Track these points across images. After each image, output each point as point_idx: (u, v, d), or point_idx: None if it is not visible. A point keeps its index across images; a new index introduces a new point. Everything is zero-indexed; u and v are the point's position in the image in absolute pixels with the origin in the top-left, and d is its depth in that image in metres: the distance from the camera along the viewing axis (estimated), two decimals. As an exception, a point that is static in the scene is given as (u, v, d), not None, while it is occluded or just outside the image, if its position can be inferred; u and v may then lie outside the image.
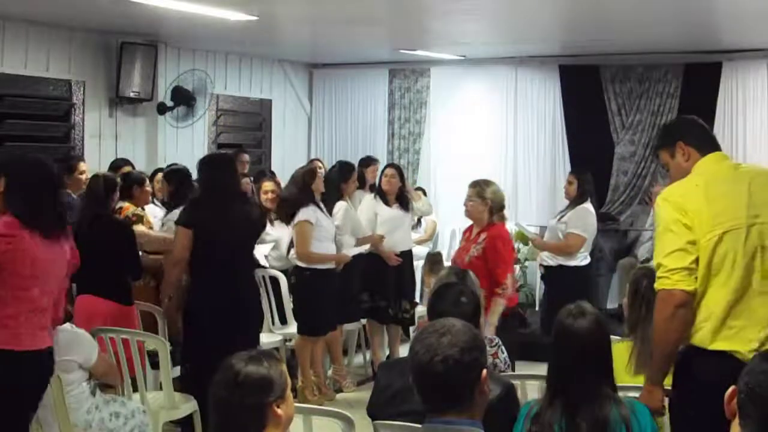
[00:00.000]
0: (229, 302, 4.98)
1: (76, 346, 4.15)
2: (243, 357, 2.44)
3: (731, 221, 3.13)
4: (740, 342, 3.10)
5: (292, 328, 6.80)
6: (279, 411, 2.40)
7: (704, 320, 3.13)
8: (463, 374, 2.34)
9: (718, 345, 3.10)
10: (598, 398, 2.77)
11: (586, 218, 6.93)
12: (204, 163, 5.29)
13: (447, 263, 8.85)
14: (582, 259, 6.96)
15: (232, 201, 5.13)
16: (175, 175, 6.56)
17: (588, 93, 9.65)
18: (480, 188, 5.42)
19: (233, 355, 2.47)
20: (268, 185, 7.09)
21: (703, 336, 3.12)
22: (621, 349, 3.50)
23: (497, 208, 5.40)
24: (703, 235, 3.11)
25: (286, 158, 10.21)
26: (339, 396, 6.68)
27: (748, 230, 3.13)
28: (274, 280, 6.78)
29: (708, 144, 3.34)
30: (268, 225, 6.92)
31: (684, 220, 3.13)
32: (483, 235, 5.38)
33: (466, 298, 3.31)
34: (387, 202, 7.14)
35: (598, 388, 2.80)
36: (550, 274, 7.12)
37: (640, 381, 3.39)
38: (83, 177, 6.63)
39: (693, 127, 3.43)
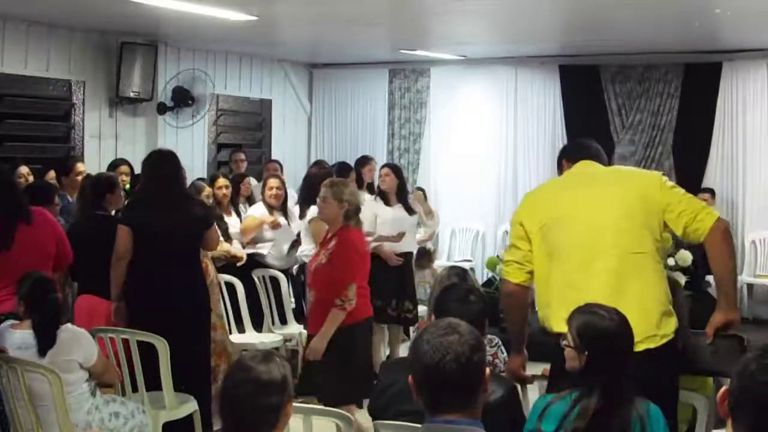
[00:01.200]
0: (163, 302, 4.90)
1: (77, 345, 4.16)
2: (258, 357, 2.47)
3: (554, 212, 3.51)
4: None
5: (292, 328, 6.81)
6: (289, 409, 2.48)
7: (546, 305, 3.48)
8: (474, 373, 2.34)
9: (560, 328, 3.25)
10: (631, 398, 2.78)
11: None
12: (146, 161, 5.27)
13: (448, 263, 8.89)
14: None
15: (173, 199, 5.04)
16: None
17: (588, 93, 9.65)
18: (338, 188, 4.94)
19: (245, 356, 2.52)
20: (272, 182, 7.09)
21: (547, 320, 3.47)
22: None
23: (353, 211, 4.93)
24: (534, 224, 3.53)
25: (286, 158, 10.20)
26: (339, 396, 6.67)
27: (576, 223, 3.46)
28: (274, 280, 6.78)
29: (581, 155, 3.79)
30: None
31: (518, 218, 3.61)
32: (334, 241, 4.87)
33: (475, 296, 3.30)
34: (388, 203, 7.12)
35: (630, 388, 2.80)
36: None
37: None
38: (80, 179, 6.62)
39: (572, 145, 4.07)
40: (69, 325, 4.24)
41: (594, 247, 3.39)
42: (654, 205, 3.43)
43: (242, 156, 9.13)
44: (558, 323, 3.25)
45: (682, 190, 3.51)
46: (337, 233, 4.88)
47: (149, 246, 4.93)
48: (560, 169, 3.87)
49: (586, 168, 3.73)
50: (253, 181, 8.31)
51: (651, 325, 3.30)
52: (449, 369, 2.30)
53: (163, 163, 5.18)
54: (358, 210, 4.99)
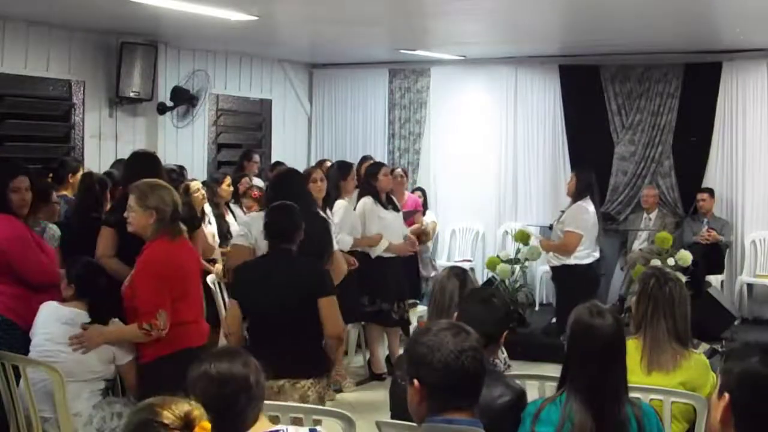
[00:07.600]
0: None
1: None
2: (224, 356, 2.51)
3: None
4: None
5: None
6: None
7: None
8: (484, 369, 2.36)
9: None
10: (620, 398, 2.77)
11: (580, 215, 6.97)
12: (128, 161, 5.28)
13: (448, 263, 8.87)
14: (585, 257, 6.97)
15: None
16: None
17: (588, 93, 9.65)
18: (140, 193, 4.09)
19: (209, 355, 2.55)
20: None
21: None
22: (630, 347, 3.50)
23: (169, 218, 4.08)
24: None
25: (286, 158, 10.19)
26: (339, 396, 6.67)
27: None
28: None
29: None
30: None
31: None
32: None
33: (498, 299, 3.28)
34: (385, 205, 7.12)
35: (621, 387, 2.80)
36: (556, 274, 7.17)
37: (652, 381, 3.44)
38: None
39: None
40: (117, 320, 4.29)
41: None
42: None
43: (256, 157, 9.07)
44: None
45: None
46: (147, 246, 4.09)
47: (122, 247, 4.75)
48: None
49: None
50: (257, 181, 8.33)
51: None
52: (468, 367, 2.31)
53: (138, 164, 5.13)
54: (175, 216, 4.15)
